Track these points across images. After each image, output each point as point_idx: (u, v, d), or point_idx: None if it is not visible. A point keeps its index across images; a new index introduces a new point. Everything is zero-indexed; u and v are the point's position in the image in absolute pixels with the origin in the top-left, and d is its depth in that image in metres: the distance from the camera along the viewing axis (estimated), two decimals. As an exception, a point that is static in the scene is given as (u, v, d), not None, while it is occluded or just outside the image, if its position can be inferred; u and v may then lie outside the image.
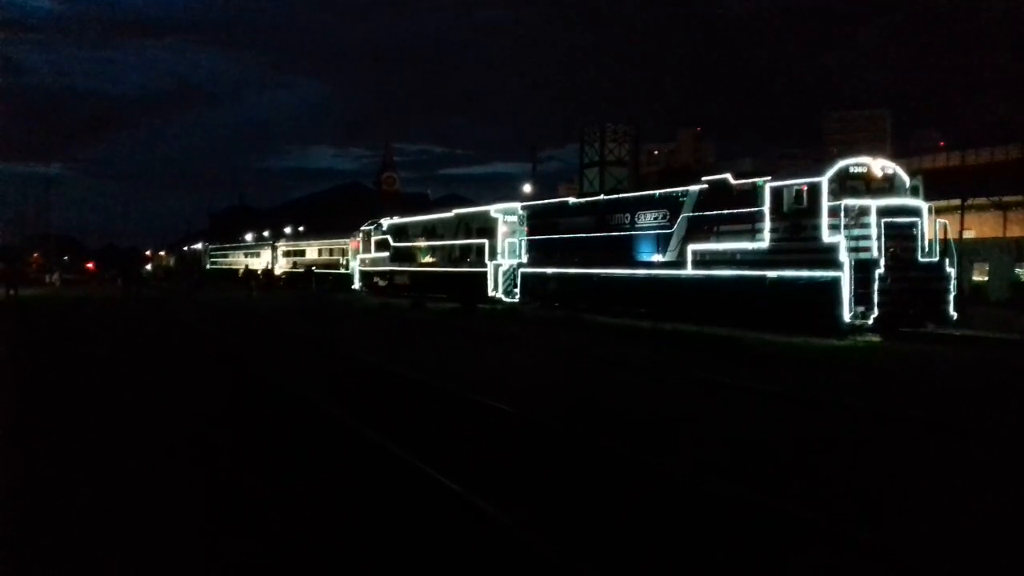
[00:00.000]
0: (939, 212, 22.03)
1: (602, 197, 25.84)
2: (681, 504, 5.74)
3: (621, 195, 25.04)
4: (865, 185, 17.92)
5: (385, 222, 40.09)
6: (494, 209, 30.85)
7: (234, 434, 8.23)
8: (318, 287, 47.74)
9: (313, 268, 52.01)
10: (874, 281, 16.49)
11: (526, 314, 24.87)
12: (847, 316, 16.66)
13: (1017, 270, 34.37)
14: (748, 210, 19.24)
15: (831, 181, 17.44)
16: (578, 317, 22.12)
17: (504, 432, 8.25)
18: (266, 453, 7.39)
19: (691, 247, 20.82)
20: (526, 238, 28.52)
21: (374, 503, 5.80)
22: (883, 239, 16.76)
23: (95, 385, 11.54)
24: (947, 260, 17.46)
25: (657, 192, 23.06)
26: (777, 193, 18.38)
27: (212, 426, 8.64)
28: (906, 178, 18.31)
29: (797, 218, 17.92)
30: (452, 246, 33.29)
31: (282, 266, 60.62)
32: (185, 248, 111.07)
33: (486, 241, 30.51)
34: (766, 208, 18.58)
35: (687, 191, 21.58)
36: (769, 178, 18.85)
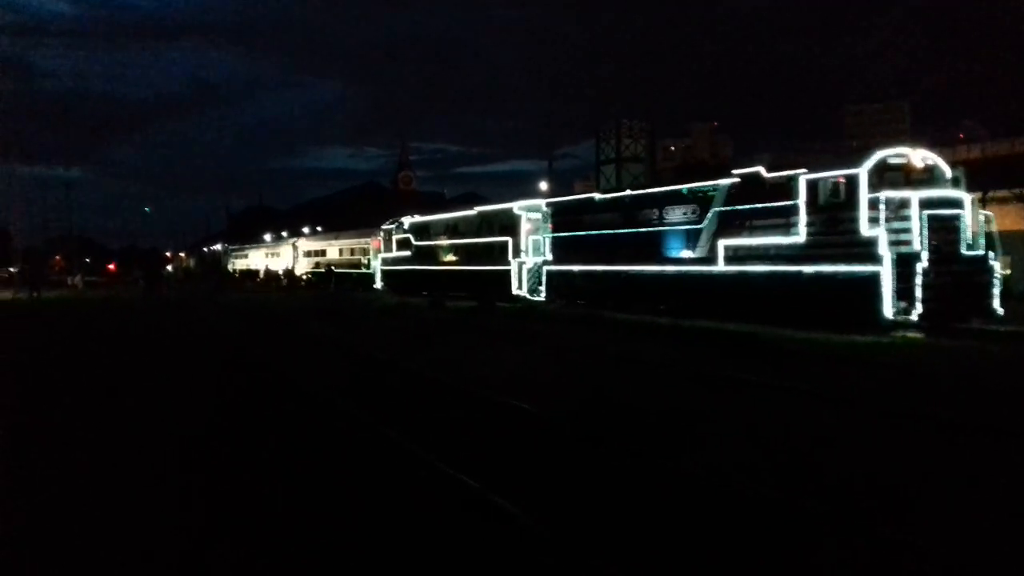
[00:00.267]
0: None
1: (629, 193, 25.40)
2: (696, 500, 5.72)
3: (648, 190, 24.56)
4: (904, 177, 17.41)
5: (407, 221, 39.73)
6: (517, 206, 30.48)
7: (256, 430, 8.44)
8: (337, 287, 47.53)
9: (332, 267, 51.81)
10: (916, 275, 16.01)
11: (544, 312, 24.67)
12: (888, 312, 16.20)
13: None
14: (782, 204, 18.77)
15: (869, 173, 16.96)
16: (596, 314, 21.81)
17: (522, 430, 8.17)
18: (284, 447, 7.58)
19: (722, 242, 20.38)
20: (551, 235, 28.13)
21: (386, 499, 5.86)
22: (925, 232, 16.27)
23: (118, 382, 11.79)
24: (991, 253, 16.95)
25: (686, 187, 22.61)
26: (813, 186, 17.92)
27: (238, 421, 8.92)
28: (946, 169, 17.80)
29: (834, 211, 17.45)
30: (475, 244, 32.93)
31: (304, 266, 60.47)
32: (205, 249, 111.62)
33: (509, 239, 30.14)
34: (801, 201, 18.11)
35: (717, 185, 21.13)
36: (804, 171, 18.37)
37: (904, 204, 16.57)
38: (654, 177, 66.70)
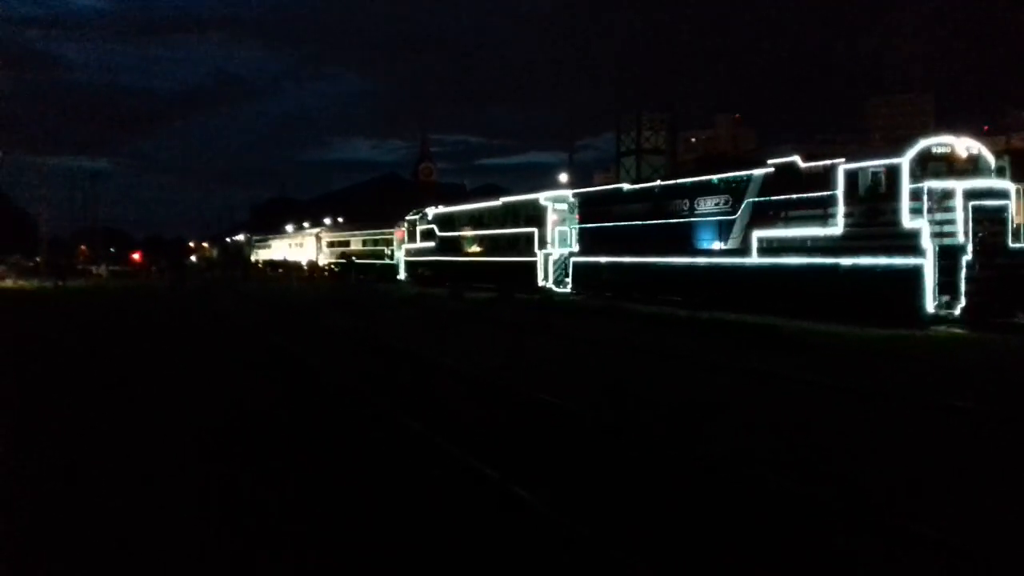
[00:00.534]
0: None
1: (659, 183, 25.00)
2: (702, 489, 5.70)
3: (679, 180, 24.14)
4: (947, 166, 16.90)
5: (431, 211, 39.49)
6: (543, 197, 30.17)
7: (275, 419, 8.36)
8: (357, 277, 47.31)
9: (354, 258, 51.65)
10: (960, 269, 15.55)
11: (562, 303, 24.50)
12: (930, 306, 15.75)
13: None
14: (819, 194, 18.31)
15: (912, 162, 16.48)
16: (616, 306, 21.64)
17: (541, 420, 8.08)
18: (303, 435, 7.57)
19: (756, 234, 19.96)
20: (577, 226, 27.81)
21: (403, 484, 5.85)
22: (970, 224, 15.78)
23: (146, 367, 11.91)
24: (1039, 246, 16.43)
25: (718, 177, 22.15)
26: (852, 176, 17.45)
27: (257, 408, 8.94)
28: (991, 158, 17.29)
29: (874, 202, 16.98)
30: (500, 235, 32.65)
31: (326, 257, 60.44)
32: (228, 239, 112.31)
33: (535, 230, 29.85)
34: (840, 192, 17.66)
35: (751, 175, 20.68)
36: (843, 160, 17.92)
37: (948, 195, 16.08)
38: (674, 169, 66.09)
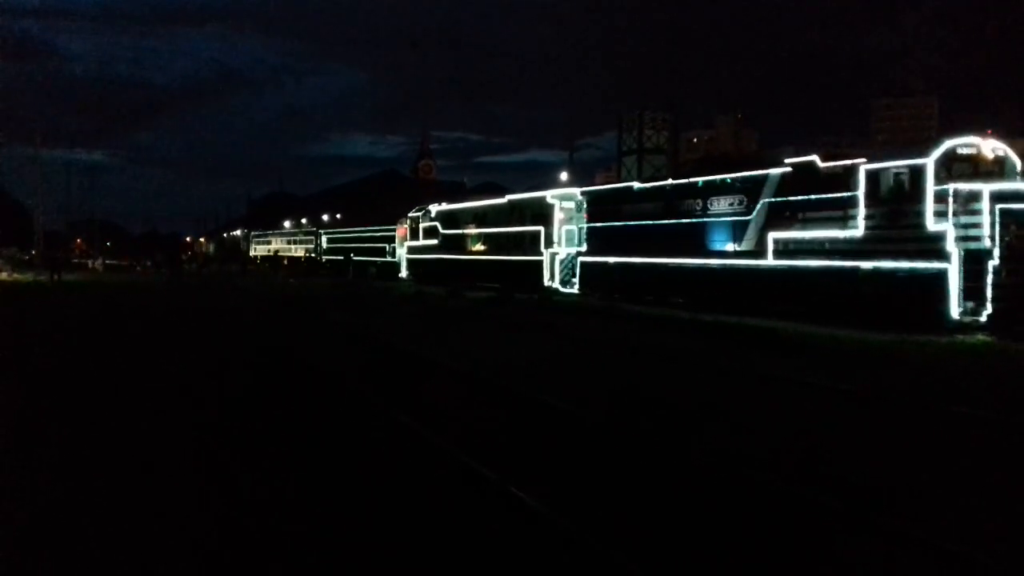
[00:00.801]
0: None
1: (670, 181, 24.44)
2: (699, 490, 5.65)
3: (692, 179, 23.56)
4: (973, 168, 16.44)
5: (433, 208, 38.79)
6: (550, 195, 29.61)
7: (273, 416, 8.34)
8: (356, 275, 46.69)
9: (352, 255, 51.02)
10: (987, 274, 15.06)
11: (562, 303, 24.14)
12: (955, 312, 15.27)
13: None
14: (839, 195, 17.81)
15: (936, 163, 15.99)
16: (616, 307, 21.28)
17: (542, 420, 8.06)
18: (301, 432, 7.54)
19: (772, 235, 19.45)
20: (586, 225, 27.25)
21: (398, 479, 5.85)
22: (997, 227, 15.30)
23: (143, 360, 11.98)
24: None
25: (732, 176, 21.61)
26: (874, 176, 16.95)
27: (256, 403, 9.02)
28: (1017, 161, 16.81)
29: (897, 204, 16.49)
30: (505, 233, 32.05)
31: (326, 253, 59.81)
32: (224, 235, 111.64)
33: (541, 228, 29.29)
34: (860, 192, 17.16)
35: (767, 174, 20.16)
36: (863, 160, 17.43)
37: (974, 197, 15.59)
38: (676, 169, 65.54)
